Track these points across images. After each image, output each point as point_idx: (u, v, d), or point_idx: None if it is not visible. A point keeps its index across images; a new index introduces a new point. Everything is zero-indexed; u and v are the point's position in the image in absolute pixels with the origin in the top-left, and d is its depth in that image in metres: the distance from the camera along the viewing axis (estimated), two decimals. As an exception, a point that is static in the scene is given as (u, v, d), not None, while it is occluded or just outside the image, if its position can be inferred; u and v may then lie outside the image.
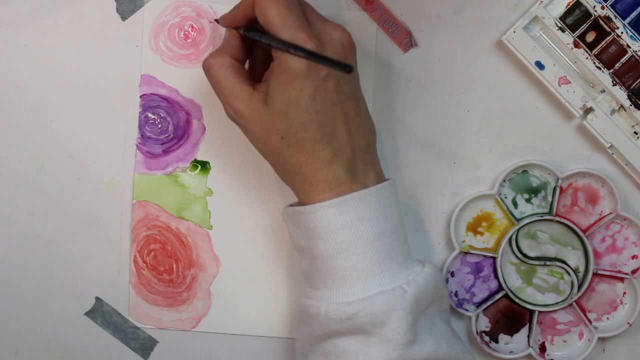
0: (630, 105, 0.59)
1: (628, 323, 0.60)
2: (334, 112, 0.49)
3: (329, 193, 0.49)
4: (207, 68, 0.51)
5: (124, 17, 0.61)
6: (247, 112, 0.49)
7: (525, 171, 0.60)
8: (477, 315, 0.61)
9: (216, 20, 0.56)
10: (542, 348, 0.61)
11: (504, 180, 0.60)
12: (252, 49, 0.55)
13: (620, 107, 0.59)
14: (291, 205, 0.53)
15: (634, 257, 0.60)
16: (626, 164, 0.59)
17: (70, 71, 0.61)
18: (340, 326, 0.49)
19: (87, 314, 0.63)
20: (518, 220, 0.60)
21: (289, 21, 0.48)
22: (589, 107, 0.59)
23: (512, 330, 0.61)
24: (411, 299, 0.49)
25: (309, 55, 0.47)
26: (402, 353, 0.49)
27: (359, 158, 0.51)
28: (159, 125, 0.61)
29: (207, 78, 0.52)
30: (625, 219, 0.60)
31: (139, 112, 0.61)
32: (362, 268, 0.49)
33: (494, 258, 0.60)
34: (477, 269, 0.61)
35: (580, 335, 0.61)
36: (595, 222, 0.60)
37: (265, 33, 0.49)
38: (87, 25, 0.61)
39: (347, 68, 0.45)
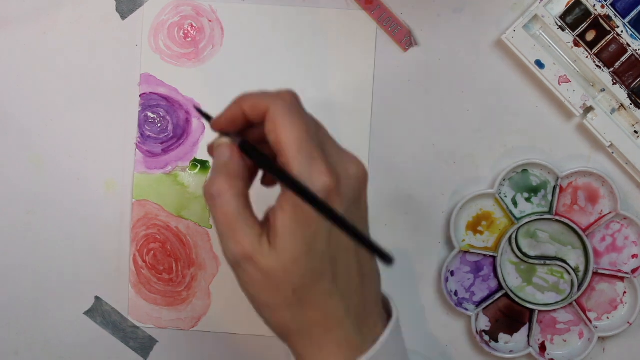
0: (631, 104, 0.58)
1: (628, 322, 0.60)
2: (348, 259, 0.42)
3: (340, 356, 0.42)
4: (216, 194, 0.40)
5: (123, 17, 0.61)
6: (256, 256, 0.40)
7: (525, 170, 0.60)
8: (477, 315, 0.60)
9: (205, 115, 0.45)
10: (542, 347, 0.61)
11: (504, 180, 0.60)
12: None
13: (620, 106, 0.59)
14: None
15: (634, 256, 0.60)
16: (626, 163, 0.59)
17: (70, 70, 0.61)
18: None
19: (87, 313, 0.63)
20: (518, 219, 0.60)
21: (306, 148, 0.39)
22: (589, 106, 0.58)
23: (512, 330, 0.61)
24: None
25: (334, 219, 0.38)
26: None
27: (369, 311, 0.44)
28: (159, 124, 0.61)
29: (210, 206, 0.41)
30: (625, 218, 0.60)
31: (139, 111, 0.61)
32: None
33: (494, 257, 0.60)
34: (477, 268, 0.61)
35: (580, 335, 0.61)
36: (595, 222, 0.60)
37: (265, 154, 0.42)
38: (86, 25, 0.61)
39: (389, 260, 0.36)
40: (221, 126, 0.43)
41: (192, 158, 0.61)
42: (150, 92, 0.61)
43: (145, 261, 0.62)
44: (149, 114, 0.61)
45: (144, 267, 0.62)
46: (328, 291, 0.41)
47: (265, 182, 0.46)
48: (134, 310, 0.63)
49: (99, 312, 0.63)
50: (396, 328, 0.44)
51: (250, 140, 0.43)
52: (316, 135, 0.41)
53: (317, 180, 0.39)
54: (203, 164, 0.62)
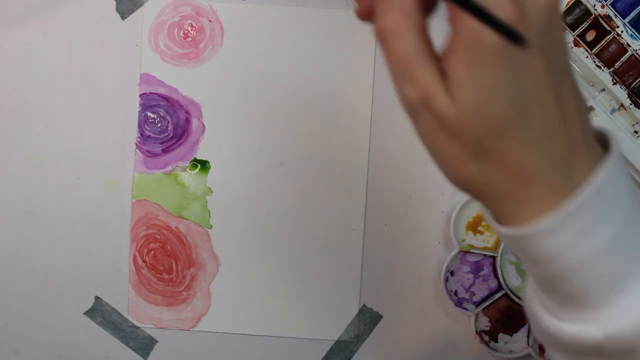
0: (631, 104, 0.58)
1: (628, 322, 0.60)
2: (543, 98, 0.35)
3: (543, 208, 0.36)
4: (390, 31, 0.34)
5: (123, 16, 0.61)
6: (434, 101, 0.34)
7: (525, 170, 0.60)
8: (477, 315, 0.60)
9: None
10: (542, 348, 0.61)
11: (504, 180, 0.60)
12: None
13: (620, 106, 0.59)
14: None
15: (634, 256, 0.60)
16: (626, 163, 0.59)
17: (70, 70, 0.61)
18: (581, 351, 0.37)
19: (87, 313, 0.63)
20: (518, 219, 0.60)
21: None
22: (589, 106, 0.58)
23: (511, 330, 0.61)
24: None
25: (473, 11, 0.33)
26: None
27: (578, 152, 0.36)
28: (159, 124, 0.61)
29: (382, 46, 0.35)
30: (625, 218, 0.60)
31: (139, 111, 0.61)
32: (596, 289, 0.36)
33: (494, 257, 0.60)
34: (476, 268, 0.61)
35: (581, 335, 0.61)
36: (596, 222, 0.60)
37: None
38: (86, 24, 0.61)
39: (521, 41, 0.32)
40: None
41: (192, 158, 0.61)
42: (150, 92, 0.61)
43: (145, 261, 0.62)
44: (149, 114, 0.61)
45: (144, 267, 0.62)
46: (519, 139, 0.35)
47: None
48: (134, 310, 0.63)
49: (99, 312, 0.63)
50: (615, 165, 0.36)
51: None
52: None
53: (497, 9, 0.33)
54: (203, 164, 0.61)
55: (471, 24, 0.33)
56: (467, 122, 0.34)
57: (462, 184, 0.37)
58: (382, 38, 0.34)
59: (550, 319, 0.38)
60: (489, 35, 0.33)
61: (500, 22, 0.32)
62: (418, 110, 0.36)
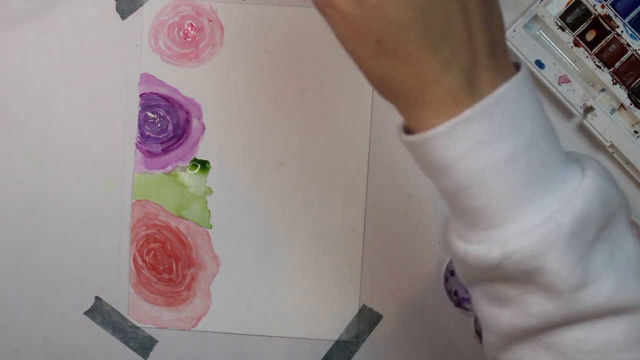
0: (631, 104, 0.58)
1: (628, 322, 0.60)
2: (447, 6, 0.36)
3: (444, 115, 0.37)
4: None
5: (123, 16, 0.61)
6: (340, 2, 0.36)
7: (525, 170, 0.60)
8: (477, 315, 0.60)
9: None
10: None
11: (504, 180, 0.60)
12: None
13: (620, 106, 0.59)
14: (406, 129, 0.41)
15: (634, 256, 0.60)
16: (626, 163, 0.59)
17: (69, 70, 0.61)
18: (486, 275, 0.39)
19: (87, 313, 0.63)
20: (518, 219, 0.59)
21: None
22: (589, 106, 0.58)
23: (512, 330, 0.61)
24: (568, 232, 0.36)
25: None
26: (570, 301, 0.37)
27: (482, 64, 0.38)
28: (159, 124, 0.61)
29: None
30: (625, 218, 0.60)
31: (139, 111, 0.61)
32: (496, 205, 0.37)
33: (494, 257, 0.60)
34: (477, 268, 0.61)
35: (581, 335, 0.61)
36: (596, 222, 0.60)
37: None
38: (86, 25, 0.61)
39: None
40: None
41: (192, 158, 0.62)
42: (150, 92, 0.61)
43: (145, 261, 0.62)
44: (149, 114, 0.61)
45: (144, 267, 0.62)
46: (418, 43, 0.36)
47: None
48: (134, 310, 0.63)
49: (99, 312, 0.63)
50: (521, 86, 0.37)
51: None
52: None
53: None
54: (203, 164, 0.62)
55: None
56: (367, 22, 0.36)
57: (371, 80, 0.39)
58: None
59: (459, 243, 0.39)
60: None
61: None
62: (325, 9, 0.37)
